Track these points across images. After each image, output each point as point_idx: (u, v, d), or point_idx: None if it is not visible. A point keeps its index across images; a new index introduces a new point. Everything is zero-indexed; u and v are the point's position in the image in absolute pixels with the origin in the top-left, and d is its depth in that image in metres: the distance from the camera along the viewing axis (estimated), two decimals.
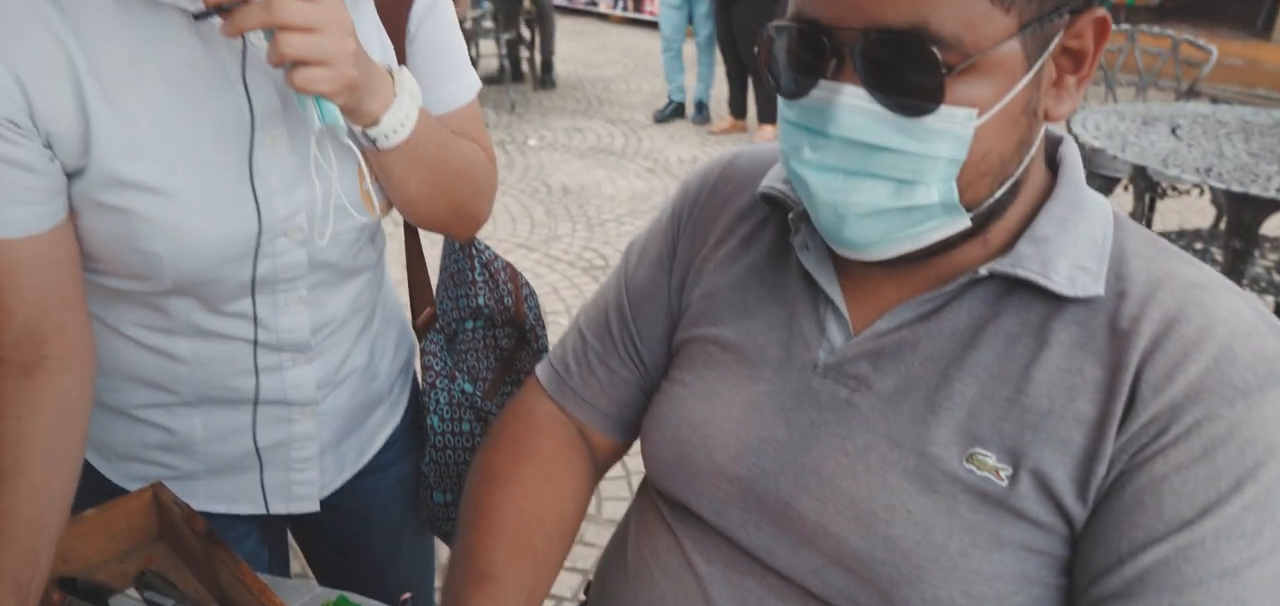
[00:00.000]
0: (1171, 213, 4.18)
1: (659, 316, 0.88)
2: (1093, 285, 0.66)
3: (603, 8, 9.44)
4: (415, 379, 1.17)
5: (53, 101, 0.73)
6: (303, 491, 1.01)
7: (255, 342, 0.89)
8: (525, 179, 4.65)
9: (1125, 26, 3.87)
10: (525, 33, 6.57)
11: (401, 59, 0.89)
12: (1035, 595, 0.65)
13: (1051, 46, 0.63)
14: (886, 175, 0.63)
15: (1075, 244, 0.67)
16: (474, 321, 1.13)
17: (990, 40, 0.59)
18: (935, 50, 0.59)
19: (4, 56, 0.70)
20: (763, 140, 5.15)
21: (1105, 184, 3.16)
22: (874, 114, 0.62)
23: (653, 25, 7.96)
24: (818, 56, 0.63)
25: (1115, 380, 0.63)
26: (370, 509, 1.10)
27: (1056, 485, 0.64)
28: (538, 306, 1.18)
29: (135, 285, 0.83)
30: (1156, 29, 3.89)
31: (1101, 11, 0.63)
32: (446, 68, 0.93)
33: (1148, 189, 2.99)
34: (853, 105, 0.62)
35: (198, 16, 0.71)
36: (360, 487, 1.08)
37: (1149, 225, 3.56)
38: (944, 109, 0.60)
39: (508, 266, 1.15)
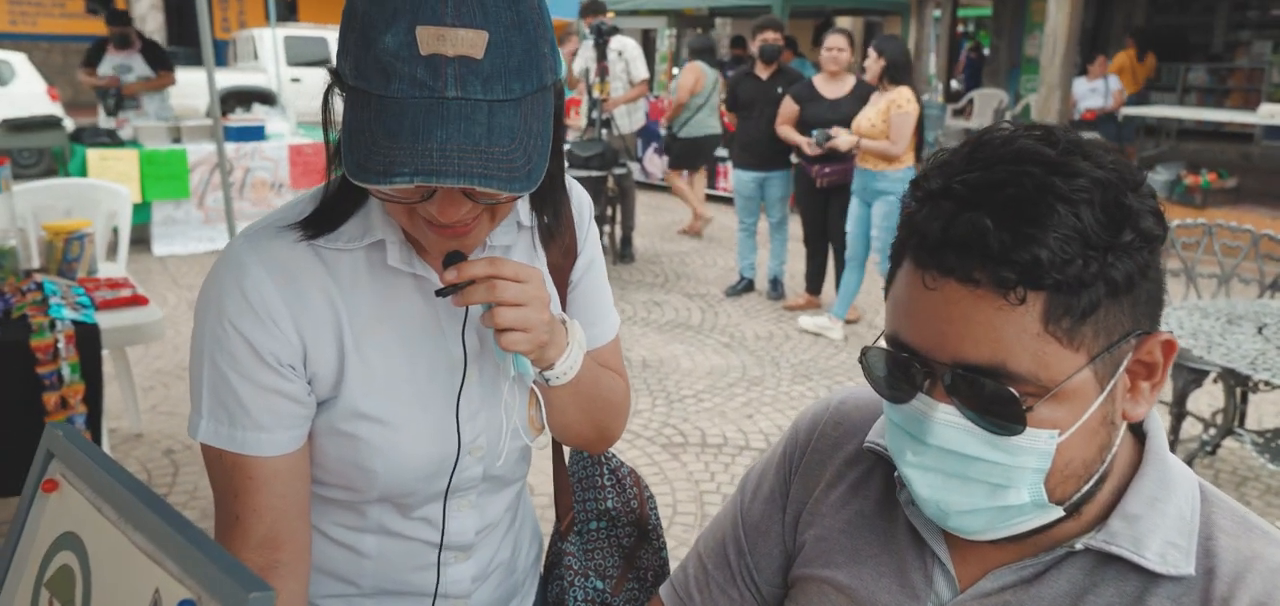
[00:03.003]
0: (1268, 403, 4.09)
1: (774, 551, 0.97)
2: (1184, 563, 0.73)
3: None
4: (539, 567, 1.27)
5: (321, 350, 0.91)
6: None
7: (433, 544, 1.03)
8: None
9: (1201, 221, 3.92)
10: (608, 209, 6.92)
11: (563, 304, 1.05)
12: None
13: (1122, 366, 0.72)
14: (981, 479, 0.72)
15: (1164, 521, 0.75)
16: (598, 523, 1.24)
17: (1063, 374, 0.68)
18: (1013, 389, 0.68)
19: (293, 316, 0.89)
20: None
21: (1194, 376, 3.16)
22: (965, 429, 0.71)
23: (726, 200, 8.28)
24: (912, 375, 0.73)
25: None
26: None
27: None
28: (657, 508, 1.29)
29: (346, 495, 0.98)
30: (1234, 224, 3.94)
31: (1167, 335, 0.73)
32: (597, 312, 1.10)
33: (1238, 383, 2.97)
34: (947, 420, 0.72)
35: (438, 293, 0.88)
36: None
37: (1242, 419, 3.49)
38: (1028, 431, 0.69)
39: (632, 472, 1.27)
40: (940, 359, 0.71)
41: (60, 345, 2.40)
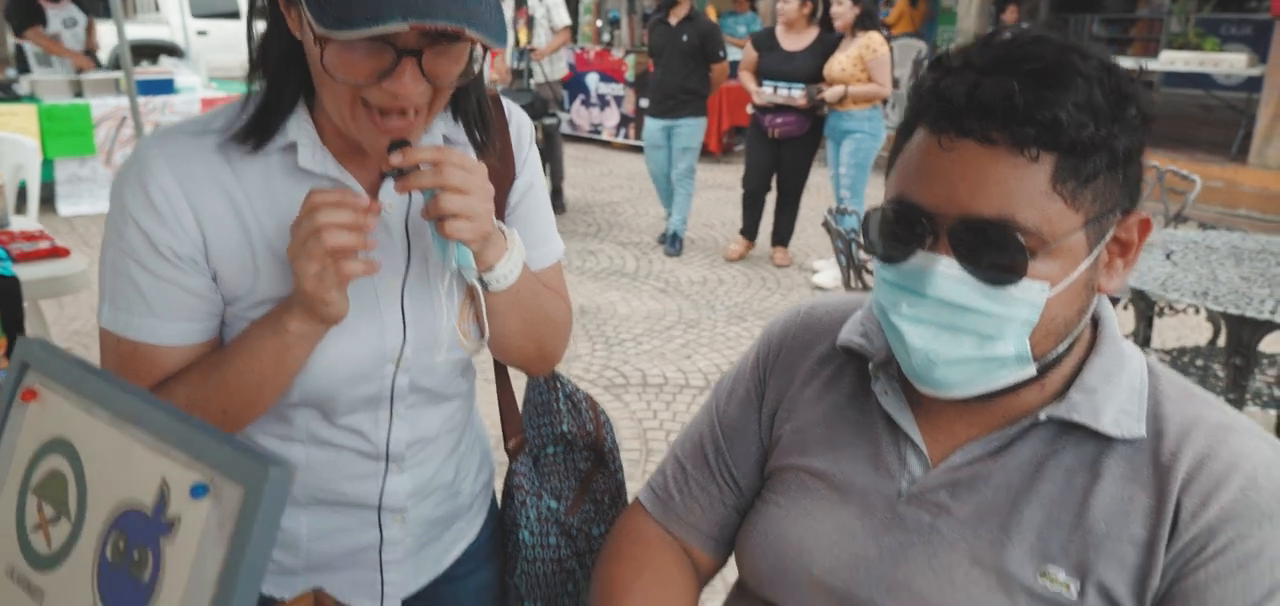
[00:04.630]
0: (1169, 329, 4.35)
1: (752, 447, 1.01)
2: (1136, 427, 0.80)
3: (605, 135, 9.84)
4: (494, 499, 1.29)
5: (226, 248, 0.92)
6: (389, 591, 1.12)
7: (363, 454, 1.03)
8: None
9: None
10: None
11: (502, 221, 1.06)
12: None
13: (1107, 237, 0.79)
14: (972, 330, 0.78)
15: (1118, 392, 0.82)
16: (555, 447, 1.26)
17: (1062, 231, 0.75)
18: (1019, 237, 0.74)
19: (194, 211, 0.90)
20: (780, 261, 5.46)
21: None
22: (964, 280, 0.77)
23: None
24: (916, 232, 0.78)
25: (1161, 507, 0.77)
26: None
27: (1119, 596, 0.77)
28: (614, 433, 1.32)
29: None
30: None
31: (1145, 214, 0.81)
32: (538, 235, 1.11)
33: (1147, 309, 3.16)
34: (947, 273, 0.77)
35: (383, 176, 0.89)
36: (441, 594, 1.18)
37: (1147, 342, 3.72)
38: (1024, 282, 0.75)
39: (588, 397, 1.29)
40: (948, 213, 0.76)
41: None
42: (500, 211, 1.06)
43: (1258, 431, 0.81)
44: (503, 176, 1.06)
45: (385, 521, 1.08)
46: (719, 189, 7.74)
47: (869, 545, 0.87)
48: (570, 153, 8.42)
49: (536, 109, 6.35)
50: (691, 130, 5.68)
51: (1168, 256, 2.99)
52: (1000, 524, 0.81)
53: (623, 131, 9.62)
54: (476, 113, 1.01)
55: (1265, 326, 2.39)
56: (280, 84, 0.91)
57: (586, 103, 9.95)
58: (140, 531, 0.62)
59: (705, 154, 8.97)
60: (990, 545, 0.81)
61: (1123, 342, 0.86)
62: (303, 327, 0.88)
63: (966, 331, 0.78)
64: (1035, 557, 0.79)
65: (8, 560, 0.70)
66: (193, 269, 0.91)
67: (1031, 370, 0.80)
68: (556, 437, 1.24)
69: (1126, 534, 0.77)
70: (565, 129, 9.95)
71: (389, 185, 0.96)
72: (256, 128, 0.91)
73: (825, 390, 0.96)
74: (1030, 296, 0.76)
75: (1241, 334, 2.44)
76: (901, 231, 0.80)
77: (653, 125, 5.79)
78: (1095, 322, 0.87)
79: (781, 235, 5.57)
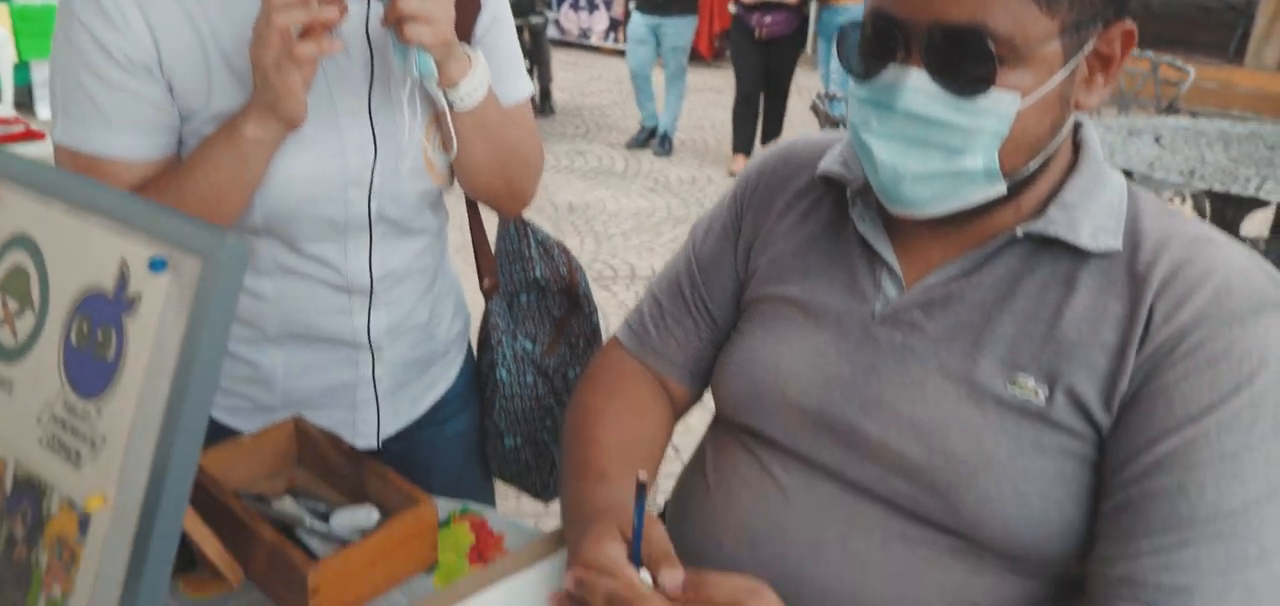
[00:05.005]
0: None
1: (727, 280, 1.01)
2: (1112, 241, 0.80)
3: (594, 40, 9.66)
4: (470, 347, 1.30)
5: (180, 59, 0.89)
6: (365, 430, 1.13)
7: (332, 285, 1.03)
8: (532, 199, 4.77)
9: None
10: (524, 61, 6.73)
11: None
12: (1071, 490, 0.78)
13: (1086, 48, 0.77)
14: (940, 144, 0.77)
15: (1097, 209, 0.81)
16: (528, 294, 1.27)
17: (1036, 39, 0.73)
18: (990, 44, 0.72)
19: (144, 16, 0.87)
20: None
21: None
22: (933, 93, 0.75)
23: None
24: (888, 46, 0.77)
25: (1134, 314, 0.77)
26: (430, 460, 1.22)
27: (1087, 400, 0.77)
28: (587, 279, 1.32)
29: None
30: (1135, 52, 4.11)
31: (1130, 25, 0.78)
32: (505, 71, 1.09)
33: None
34: (916, 86, 0.75)
35: None
36: (420, 439, 1.20)
37: None
38: (993, 92, 0.74)
39: (560, 243, 1.29)
40: (919, 20, 0.74)
41: None
42: (465, 38, 1.03)
43: (1234, 242, 0.81)
44: (467, 4, 1.03)
45: (361, 360, 1.08)
46: (708, 92, 7.64)
47: (842, 365, 0.87)
48: (558, 57, 8.27)
49: (521, 6, 6.20)
50: (680, 28, 5.56)
51: (1157, 140, 2.98)
52: (972, 339, 0.82)
53: (611, 35, 9.44)
54: None
55: (1249, 203, 2.40)
56: None
57: (575, 6, 9.73)
58: (103, 312, 0.62)
59: (695, 57, 8.84)
60: (961, 358, 0.82)
61: (1105, 165, 0.85)
62: (259, 132, 0.87)
63: (934, 146, 0.77)
64: (1005, 368, 0.80)
65: None
66: (146, 77, 0.89)
67: (1001, 187, 0.80)
68: (529, 284, 1.24)
69: (1098, 341, 0.78)
70: (553, 34, 9.76)
71: (353, 3, 0.94)
72: None
73: (802, 221, 0.96)
74: (1000, 107, 0.75)
75: (1225, 212, 2.44)
76: (876, 46, 0.78)
77: (639, 20, 5.66)
78: (1078, 146, 0.87)
79: (769, 135, 5.52)
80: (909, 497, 0.82)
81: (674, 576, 0.71)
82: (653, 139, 5.92)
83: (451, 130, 0.98)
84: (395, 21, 0.87)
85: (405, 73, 0.92)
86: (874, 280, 0.89)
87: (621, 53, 7.90)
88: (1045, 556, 0.78)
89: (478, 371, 1.27)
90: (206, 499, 0.85)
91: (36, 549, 0.63)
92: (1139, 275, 0.78)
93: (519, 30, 6.35)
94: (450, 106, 0.96)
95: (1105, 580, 0.74)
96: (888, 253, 0.88)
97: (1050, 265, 0.82)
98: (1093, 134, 0.87)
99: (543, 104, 6.76)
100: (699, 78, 8.02)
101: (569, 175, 5.27)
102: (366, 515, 0.87)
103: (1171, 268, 0.77)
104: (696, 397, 1.08)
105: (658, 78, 5.91)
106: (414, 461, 1.20)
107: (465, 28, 1.04)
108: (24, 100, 6.26)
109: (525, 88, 1.13)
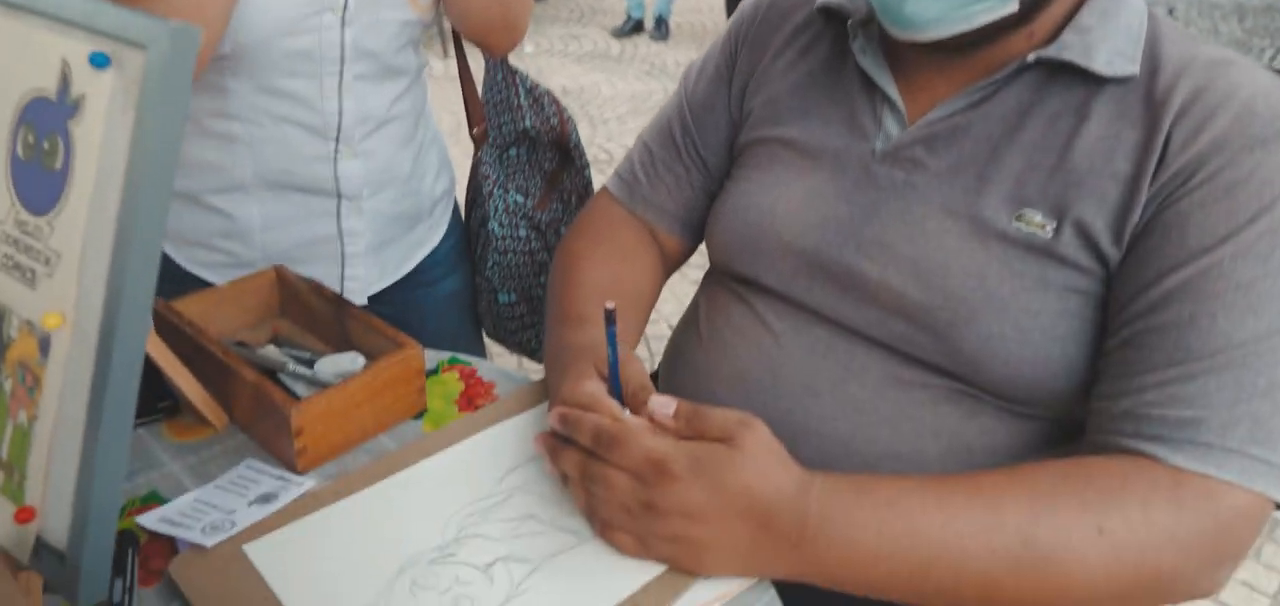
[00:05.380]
0: None
1: (720, 124, 0.96)
2: (1129, 66, 0.74)
3: None
4: (457, 207, 1.25)
5: None
6: (352, 286, 1.10)
7: (307, 128, 0.97)
8: None
9: None
10: None
11: None
12: (1074, 327, 0.74)
13: None
14: None
15: (1115, 33, 0.75)
16: (518, 147, 1.22)
17: None
18: None
19: None
20: None
21: None
22: None
23: None
24: None
25: (1150, 140, 0.72)
26: (423, 320, 1.20)
27: (1096, 232, 0.73)
28: (578, 130, 1.27)
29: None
30: None
31: None
32: None
33: None
34: None
35: None
36: (411, 300, 1.17)
37: None
38: None
39: (549, 92, 1.24)
40: None
41: None
42: None
43: (1257, 65, 0.75)
44: None
45: (343, 211, 1.04)
46: None
47: (840, 205, 0.83)
48: None
49: None
50: None
51: (1170, 11, 2.88)
52: (977, 174, 0.77)
53: None
54: None
55: None
56: None
57: None
58: (47, 119, 0.57)
59: None
60: (965, 193, 0.77)
61: None
62: None
63: None
64: (1011, 202, 0.76)
65: None
66: None
67: (1012, 5, 0.74)
68: (519, 136, 1.19)
69: (1109, 170, 0.73)
70: None
71: None
72: None
73: (800, 58, 0.91)
74: None
75: None
76: None
77: None
78: None
79: None
80: (906, 339, 0.79)
81: (665, 404, 0.68)
82: (640, 30, 5.72)
83: None
84: None
85: None
86: (875, 116, 0.84)
87: None
88: (1045, 397, 0.76)
89: (467, 227, 1.23)
90: (187, 344, 0.82)
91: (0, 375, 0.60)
92: (1156, 100, 0.73)
93: None
94: None
95: (1108, 415, 0.71)
96: (890, 87, 0.83)
97: (1062, 94, 0.76)
98: None
99: None
100: None
101: (563, 59, 5.13)
102: (351, 360, 0.84)
103: (1191, 92, 0.72)
104: (689, 252, 1.04)
105: None
106: (405, 324, 1.16)
107: None
108: None
109: None
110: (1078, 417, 0.76)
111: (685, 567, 0.66)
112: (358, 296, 1.11)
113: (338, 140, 0.99)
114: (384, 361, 0.80)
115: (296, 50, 0.93)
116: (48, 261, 0.57)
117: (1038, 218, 0.75)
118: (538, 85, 1.21)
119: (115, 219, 0.53)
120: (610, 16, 6.07)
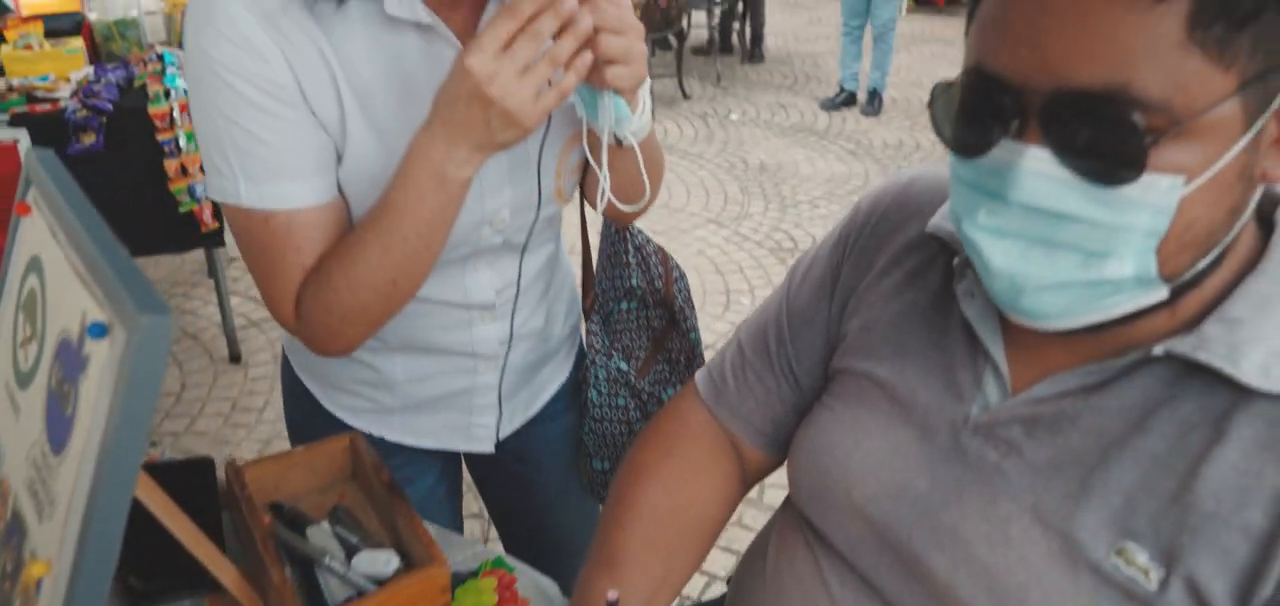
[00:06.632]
0: None
1: (817, 340, 0.86)
2: None
3: None
4: (581, 342, 1.24)
5: (320, 99, 0.81)
6: (481, 434, 1.10)
7: (454, 304, 0.99)
8: (723, 153, 4.64)
9: None
10: (737, 4, 6.53)
11: None
12: None
13: (1277, 102, 0.55)
14: (1074, 246, 0.57)
15: (1276, 329, 0.59)
16: (628, 302, 1.18)
17: (1204, 102, 0.52)
18: (1138, 116, 0.52)
19: (282, 53, 0.79)
20: None
21: None
22: (1062, 180, 0.56)
23: None
24: (999, 113, 0.57)
25: None
26: (539, 455, 1.19)
27: (1211, 597, 0.57)
28: (687, 290, 1.22)
29: None
30: None
31: None
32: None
33: None
34: (1038, 169, 0.56)
35: None
36: (530, 435, 1.16)
37: None
38: (1146, 177, 0.54)
39: (659, 249, 1.19)
40: (1038, 86, 0.55)
41: (175, 114, 2.48)
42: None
43: None
44: None
45: (479, 367, 1.06)
46: (935, 43, 7.05)
47: (921, 475, 0.71)
48: None
49: None
50: None
51: None
52: (1080, 478, 0.63)
53: None
54: None
55: None
56: None
57: None
58: (69, 364, 0.60)
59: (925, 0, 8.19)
60: (1062, 499, 0.63)
61: None
62: (470, 172, 0.78)
63: (1066, 247, 0.58)
64: (1114, 528, 0.61)
65: (4, 373, 0.71)
66: (303, 107, 0.81)
67: (1162, 292, 0.59)
68: (627, 291, 1.16)
69: (1239, 519, 0.57)
70: None
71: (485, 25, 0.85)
72: None
73: (906, 284, 0.79)
74: (1155, 197, 0.54)
75: None
76: (979, 112, 0.59)
77: None
78: (1270, 228, 0.64)
79: None
80: None
81: None
82: (851, 103, 5.50)
83: (604, 167, 0.88)
84: (598, 58, 0.76)
85: (597, 122, 0.82)
86: (975, 376, 0.71)
87: None
88: None
89: (578, 367, 1.22)
90: (242, 520, 0.84)
91: (14, 590, 0.63)
92: None
93: None
94: (619, 143, 0.86)
95: None
96: (995, 346, 0.70)
97: (1199, 398, 0.61)
98: None
99: (753, 49, 6.54)
100: (924, 25, 7.43)
101: (767, 131, 5.06)
102: (387, 561, 0.83)
103: None
104: (776, 464, 0.94)
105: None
106: (527, 459, 1.19)
107: None
108: None
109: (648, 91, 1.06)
110: None
111: None
112: (487, 443, 1.12)
113: (479, 310, 1.02)
114: (406, 579, 0.79)
115: (454, 257, 0.95)
116: (52, 502, 0.59)
117: (1143, 558, 0.59)
118: (648, 242, 1.18)
119: (88, 491, 0.54)
120: (825, 86, 5.94)
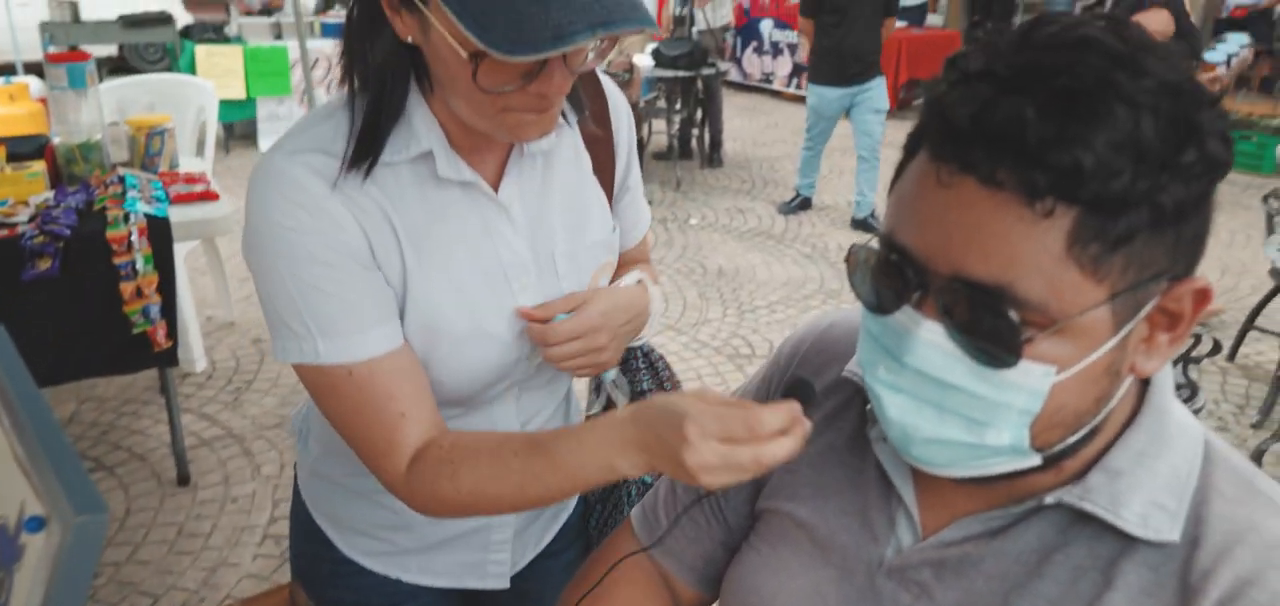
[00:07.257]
0: None
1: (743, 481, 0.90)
2: (1168, 529, 0.63)
3: (776, 85, 9.54)
4: None
5: (386, 254, 0.89)
6: (495, 570, 1.13)
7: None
8: (682, 258, 4.75)
9: None
10: (697, 111, 6.74)
11: (610, 204, 1.08)
12: None
13: (1144, 311, 0.61)
14: (958, 412, 0.63)
15: (1153, 480, 0.65)
16: None
17: (1077, 308, 0.58)
18: (1014, 314, 0.58)
19: (351, 214, 0.86)
20: None
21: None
22: (950, 353, 0.62)
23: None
24: (904, 282, 0.64)
25: None
26: (543, 589, 1.21)
27: None
28: None
29: None
30: None
31: (1203, 283, 0.61)
32: (637, 217, 1.15)
33: None
34: (931, 340, 0.62)
35: None
36: (537, 570, 1.19)
37: None
38: (1023, 364, 0.60)
39: (663, 358, 1.26)
40: (938, 268, 0.61)
41: (133, 238, 2.51)
42: (610, 194, 1.07)
43: None
44: (606, 165, 1.06)
45: None
46: (891, 149, 7.31)
47: None
48: (736, 102, 8.23)
49: (695, 58, 6.21)
50: (882, 90, 5.10)
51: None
52: None
53: (794, 81, 9.29)
54: (577, 90, 1.01)
55: None
56: (387, 93, 0.86)
57: (759, 50, 9.67)
58: (5, 552, 0.62)
59: None
60: None
61: (1174, 414, 0.68)
62: (634, 474, 0.81)
63: (952, 412, 0.64)
64: None
65: None
66: (372, 264, 0.87)
67: (1035, 460, 0.65)
68: (636, 396, 1.20)
69: None
70: (734, 77, 9.75)
71: (509, 179, 0.95)
72: (370, 146, 0.86)
73: (825, 425, 0.84)
74: (1031, 382, 0.60)
75: None
76: (889, 276, 0.65)
77: (829, 95, 5.14)
78: (1144, 386, 0.70)
79: None
80: None
81: None
82: (807, 207, 5.62)
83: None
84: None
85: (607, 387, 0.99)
86: (889, 518, 0.76)
87: (803, 99, 7.73)
88: None
89: (584, 499, 1.26)
90: None
91: None
92: (1192, 585, 0.62)
93: (691, 82, 6.39)
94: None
95: None
96: (906, 489, 0.75)
97: (1089, 544, 0.66)
98: (1164, 379, 0.69)
99: (712, 155, 6.73)
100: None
101: (725, 235, 5.19)
102: None
103: (1235, 585, 0.60)
104: (709, 602, 0.97)
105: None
106: (527, 593, 1.21)
107: (609, 185, 1.07)
108: (248, 133, 7.01)
109: (647, 219, 1.18)
110: None
111: None
112: (501, 579, 1.14)
113: None
114: None
115: (491, 394, 1.01)
116: None
117: None
118: (654, 350, 1.24)
119: None
120: (782, 189, 6.11)
